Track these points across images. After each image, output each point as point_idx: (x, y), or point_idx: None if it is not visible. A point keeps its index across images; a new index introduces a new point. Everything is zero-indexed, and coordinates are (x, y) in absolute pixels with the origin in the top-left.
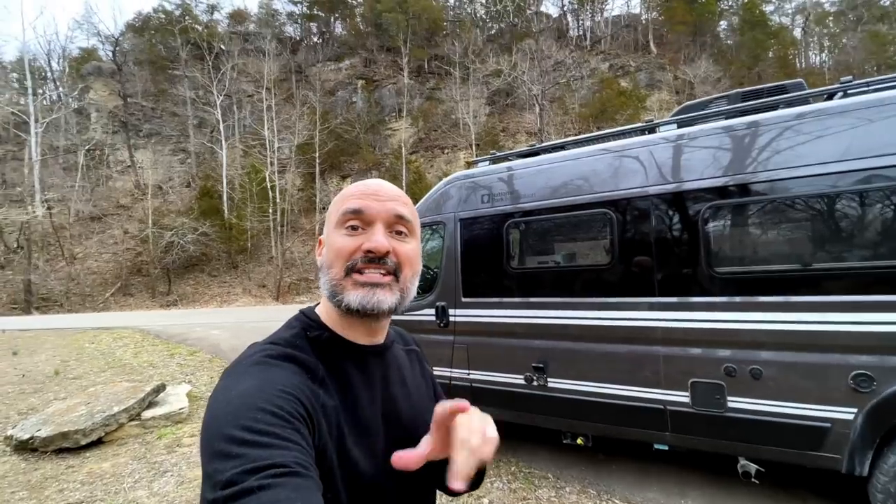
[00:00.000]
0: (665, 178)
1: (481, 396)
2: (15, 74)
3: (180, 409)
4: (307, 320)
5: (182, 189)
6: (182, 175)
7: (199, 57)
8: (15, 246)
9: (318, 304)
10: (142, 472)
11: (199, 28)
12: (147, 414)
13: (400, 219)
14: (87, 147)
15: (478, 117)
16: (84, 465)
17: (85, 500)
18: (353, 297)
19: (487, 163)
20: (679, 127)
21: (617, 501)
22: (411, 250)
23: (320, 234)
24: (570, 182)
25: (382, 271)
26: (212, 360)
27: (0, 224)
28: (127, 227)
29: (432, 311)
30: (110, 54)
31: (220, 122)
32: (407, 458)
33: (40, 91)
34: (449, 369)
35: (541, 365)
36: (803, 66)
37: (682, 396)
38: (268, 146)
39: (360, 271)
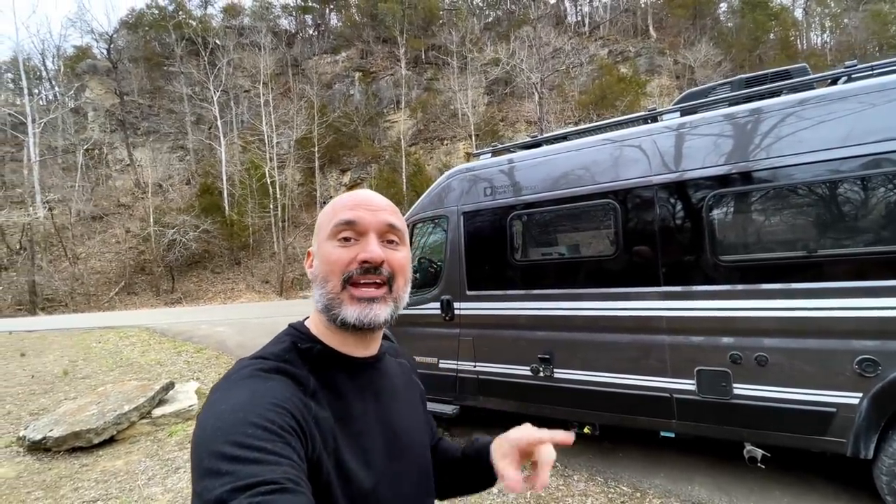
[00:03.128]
0: (668, 167)
1: (488, 388)
2: (10, 75)
3: (190, 406)
4: (298, 334)
5: (182, 186)
6: (181, 172)
7: (195, 52)
8: (18, 247)
9: (308, 317)
10: (155, 469)
11: (194, 23)
12: (157, 412)
13: (392, 228)
14: (85, 146)
15: (476, 107)
16: (97, 463)
17: (100, 497)
18: (350, 312)
19: (489, 155)
20: (682, 115)
21: (624, 488)
22: (403, 258)
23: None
24: (572, 173)
25: (378, 281)
26: (218, 357)
27: (2, 226)
28: (129, 226)
29: (437, 304)
30: (105, 52)
31: (218, 119)
32: (515, 484)
33: (36, 91)
34: (455, 362)
35: (547, 356)
36: (805, 47)
37: (689, 384)
38: (266, 141)
39: (356, 284)
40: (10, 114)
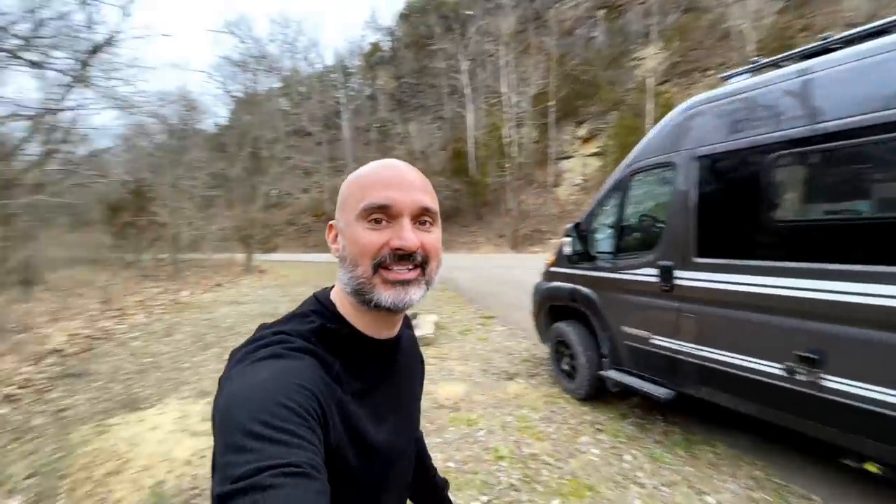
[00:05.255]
0: None
1: (715, 379)
2: (334, 74)
3: (428, 333)
4: (326, 313)
5: (439, 152)
6: (440, 140)
7: (449, 28)
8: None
9: (332, 287)
10: None
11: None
12: None
13: (426, 210)
14: (377, 126)
15: (762, 18)
16: None
17: None
18: (385, 296)
19: (746, 76)
20: None
21: None
22: (436, 240)
23: (554, 185)
24: (886, 88)
25: (410, 266)
26: (454, 298)
27: (332, 193)
28: None
29: (653, 270)
30: (388, 44)
31: (468, 86)
32: None
33: (347, 85)
34: (671, 340)
35: (813, 356)
36: None
37: None
38: (504, 102)
39: (388, 268)
40: (333, 103)
